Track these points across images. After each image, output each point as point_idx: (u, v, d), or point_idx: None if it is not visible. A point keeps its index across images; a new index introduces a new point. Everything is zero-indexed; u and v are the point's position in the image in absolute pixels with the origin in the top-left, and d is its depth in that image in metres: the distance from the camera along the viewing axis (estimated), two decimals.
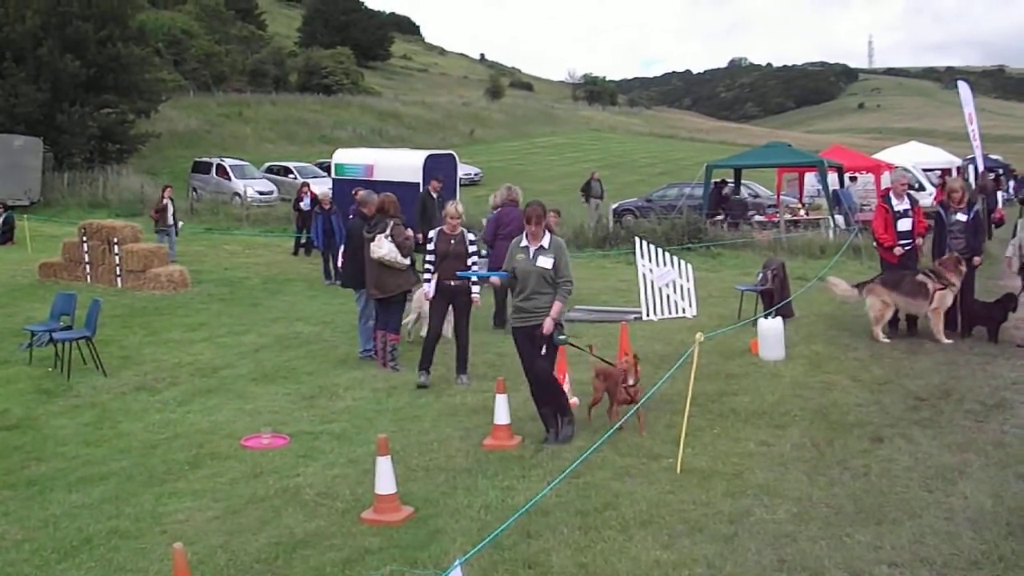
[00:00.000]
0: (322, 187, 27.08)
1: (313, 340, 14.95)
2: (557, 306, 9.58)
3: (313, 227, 22.11)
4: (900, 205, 14.42)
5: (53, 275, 21.12)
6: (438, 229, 12.07)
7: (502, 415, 9.67)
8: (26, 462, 9.48)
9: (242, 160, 45.20)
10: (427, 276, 11.97)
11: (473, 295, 12.00)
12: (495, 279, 11.15)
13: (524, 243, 9.73)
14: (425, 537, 7.34)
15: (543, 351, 9.65)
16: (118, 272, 20.15)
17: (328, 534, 7.53)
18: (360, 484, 8.48)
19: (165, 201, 24.61)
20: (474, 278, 11.76)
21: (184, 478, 8.92)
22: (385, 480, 7.77)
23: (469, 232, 12.12)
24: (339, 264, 18.55)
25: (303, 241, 26.31)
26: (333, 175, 28.41)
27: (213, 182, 42.04)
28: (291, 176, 43.13)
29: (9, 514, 8.10)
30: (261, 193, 40.35)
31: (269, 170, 45.31)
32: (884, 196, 15.02)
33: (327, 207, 21.76)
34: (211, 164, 43.20)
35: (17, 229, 28.64)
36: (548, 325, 9.50)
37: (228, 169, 42.26)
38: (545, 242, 9.66)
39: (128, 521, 7.88)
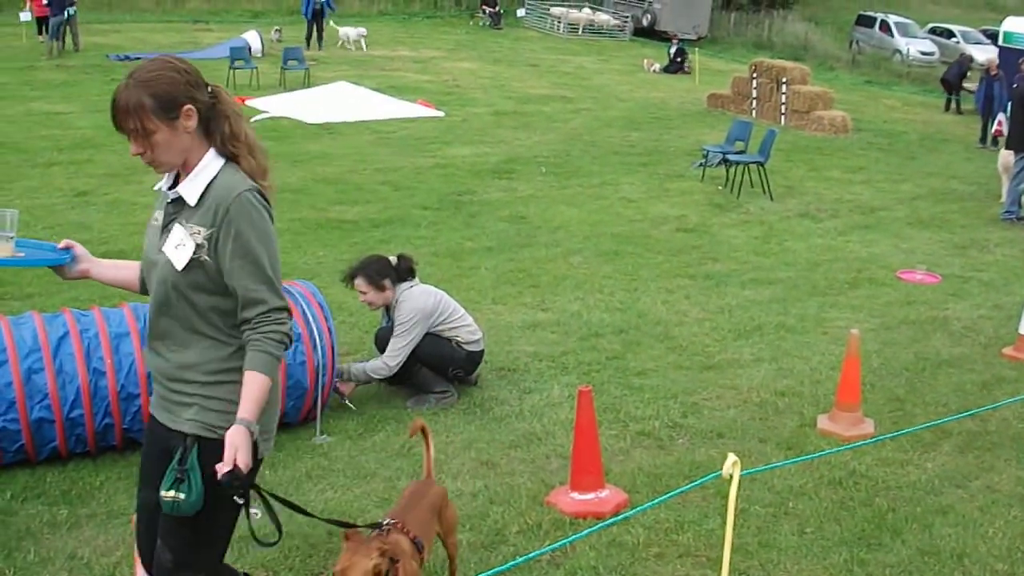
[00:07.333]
0: (987, 53, 26.34)
1: (967, 198, 15.25)
2: (255, 385, 3.16)
3: (977, 92, 21.81)
4: None
5: (720, 106, 23.12)
6: None
7: None
8: (703, 260, 11.10)
9: (907, 19, 44.30)
10: None
11: None
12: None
13: (161, 183, 3.40)
14: None
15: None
16: (783, 110, 21.41)
17: (970, 360, 8.35)
18: (1003, 326, 9.09)
19: None
20: None
21: (843, 294, 10.04)
22: None
23: None
24: (993, 130, 18.55)
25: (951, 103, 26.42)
26: (1000, 43, 27.38)
27: (876, 37, 41.79)
28: (953, 40, 41.62)
29: (690, 298, 9.71)
30: (923, 53, 39.49)
31: (932, 31, 44.01)
32: None
33: (992, 73, 21.38)
34: (875, 19, 42.91)
35: (688, 61, 31.04)
36: (226, 460, 3.06)
37: (892, 26, 41.67)
38: (190, 190, 3.25)
39: (793, 319, 9.18)
